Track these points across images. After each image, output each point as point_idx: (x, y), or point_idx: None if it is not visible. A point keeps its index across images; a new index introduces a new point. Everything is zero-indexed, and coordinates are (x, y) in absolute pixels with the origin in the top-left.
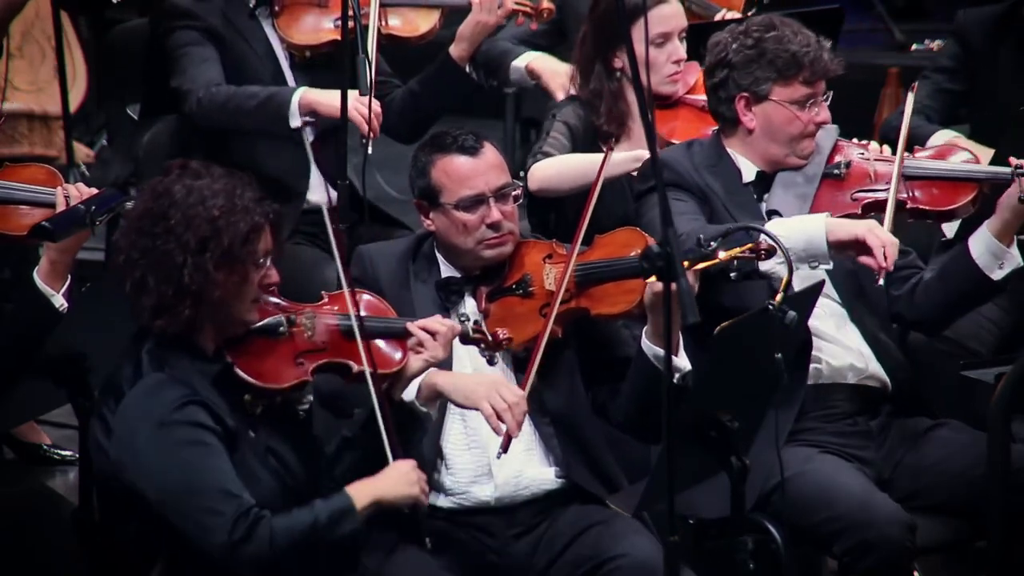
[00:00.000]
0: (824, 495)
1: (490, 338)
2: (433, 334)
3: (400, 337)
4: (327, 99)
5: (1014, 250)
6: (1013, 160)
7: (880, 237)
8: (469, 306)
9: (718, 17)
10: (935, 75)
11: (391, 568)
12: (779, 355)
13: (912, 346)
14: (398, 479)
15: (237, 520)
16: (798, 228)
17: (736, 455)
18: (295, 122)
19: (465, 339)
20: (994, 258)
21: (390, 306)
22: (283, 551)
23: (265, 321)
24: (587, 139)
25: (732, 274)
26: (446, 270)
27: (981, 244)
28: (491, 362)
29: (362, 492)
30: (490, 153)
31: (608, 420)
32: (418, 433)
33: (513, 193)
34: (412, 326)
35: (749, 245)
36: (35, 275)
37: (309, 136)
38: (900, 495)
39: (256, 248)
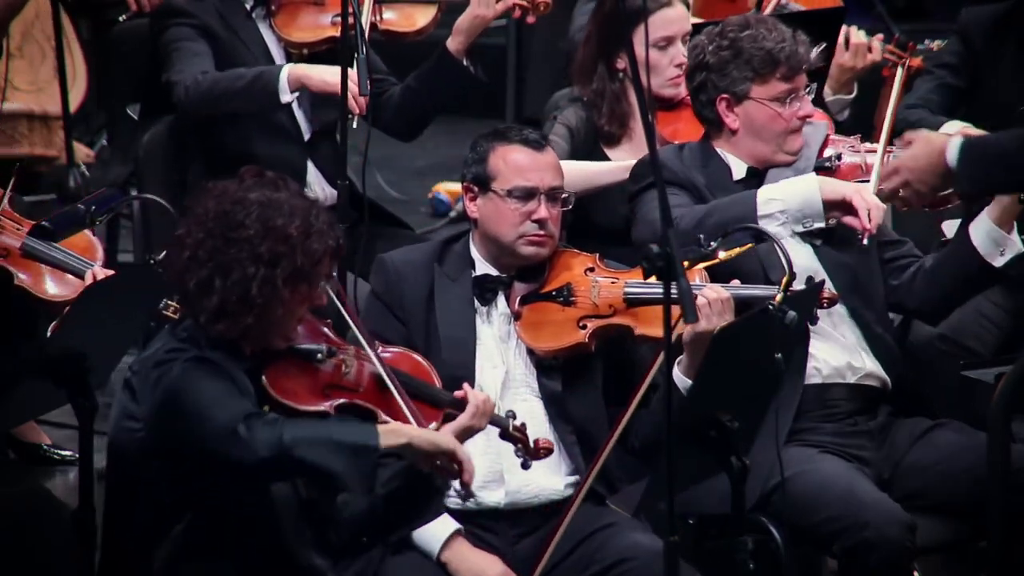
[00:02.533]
0: (824, 495)
1: (531, 444)
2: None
3: (435, 406)
4: (316, 73)
5: (1015, 236)
6: None
7: (867, 200)
8: (501, 306)
9: None
10: (938, 70)
11: (391, 566)
12: (779, 355)
13: (912, 346)
14: (432, 432)
15: (246, 412)
16: (792, 189)
17: (736, 455)
18: (285, 97)
19: (504, 435)
20: (995, 244)
21: (434, 370)
22: (293, 440)
23: (307, 345)
24: (587, 140)
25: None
26: (482, 267)
27: (982, 231)
28: (525, 466)
29: (388, 426)
30: (551, 154)
31: (624, 446)
32: None
33: (563, 197)
34: (463, 391)
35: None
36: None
37: (307, 133)
38: (900, 495)
39: (322, 272)
